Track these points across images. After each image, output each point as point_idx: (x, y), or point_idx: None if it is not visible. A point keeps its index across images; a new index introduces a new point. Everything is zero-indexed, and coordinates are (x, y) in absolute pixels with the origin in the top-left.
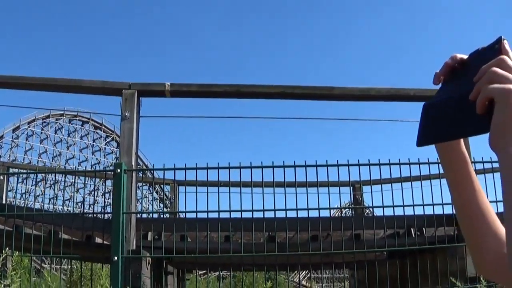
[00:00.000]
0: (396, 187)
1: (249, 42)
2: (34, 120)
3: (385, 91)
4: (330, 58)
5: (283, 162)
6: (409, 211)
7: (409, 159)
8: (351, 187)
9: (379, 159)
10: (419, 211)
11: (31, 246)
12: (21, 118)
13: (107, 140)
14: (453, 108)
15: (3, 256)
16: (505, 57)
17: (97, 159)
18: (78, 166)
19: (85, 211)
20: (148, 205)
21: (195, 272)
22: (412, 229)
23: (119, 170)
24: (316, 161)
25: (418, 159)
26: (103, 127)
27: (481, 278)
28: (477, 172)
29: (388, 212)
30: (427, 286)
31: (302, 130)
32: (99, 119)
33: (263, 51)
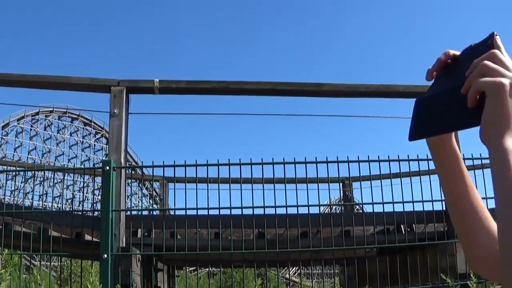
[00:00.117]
0: (386, 183)
1: (237, 39)
2: (23, 117)
3: (374, 88)
4: (320, 55)
5: (273, 159)
6: (398, 208)
7: (398, 155)
8: (341, 184)
9: (368, 156)
10: (408, 207)
11: (21, 244)
12: (10, 115)
13: (97, 136)
14: (445, 102)
15: None
16: (496, 51)
17: (86, 155)
18: (68, 163)
19: (75, 208)
20: (138, 202)
21: (185, 268)
22: (402, 226)
23: (108, 167)
24: (305, 158)
25: (408, 155)
26: (92, 124)
27: (471, 275)
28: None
29: (378, 208)
30: (417, 283)
31: (291, 127)
32: (88, 116)
33: (252, 48)
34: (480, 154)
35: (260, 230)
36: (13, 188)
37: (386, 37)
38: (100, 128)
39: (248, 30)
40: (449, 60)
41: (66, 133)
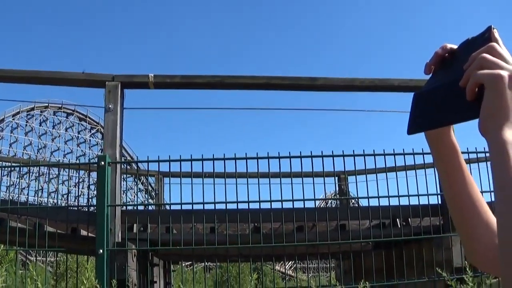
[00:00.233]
0: (381, 177)
1: (232, 34)
2: (18, 113)
3: (368, 82)
4: (315, 49)
5: (268, 153)
6: (394, 202)
7: (393, 149)
8: (336, 178)
9: (363, 150)
10: (404, 201)
11: (17, 239)
12: (5, 111)
13: (92, 131)
14: (443, 95)
15: None
16: (494, 44)
17: (82, 150)
18: (63, 158)
19: (70, 203)
20: (134, 197)
21: (181, 263)
22: (397, 220)
23: (103, 163)
24: (300, 152)
25: (403, 149)
26: (87, 119)
27: (467, 269)
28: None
29: (374, 202)
30: (413, 277)
31: (286, 121)
32: (83, 111)
33: (247, 42)
34: (476, 148)
35: (256, 224)
36: (8, 183)
37: (382, 32)
38: (95, 123)
39: (243, 25)
40: (447, 54)
41: (61, 129)
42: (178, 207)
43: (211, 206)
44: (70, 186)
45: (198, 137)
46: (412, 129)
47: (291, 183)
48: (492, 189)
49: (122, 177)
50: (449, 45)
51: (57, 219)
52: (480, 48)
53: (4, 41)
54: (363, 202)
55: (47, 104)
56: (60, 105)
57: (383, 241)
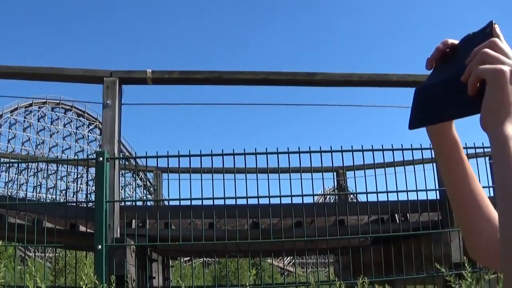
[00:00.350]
0: (380, 172)
1: (230, 29)
2: (16, 109)
3: (367, 77)
4: (314, 45)
5: (266, 149)
6: (393, 197)
7: (392, 145)
8: (335, 173)
9: (362, 145)
10: (403, 196)
11: (15, 235)
12: (3, 107)
13: (90, 127)
14: (445, 90)
15: None
16: (496, 39)
17: (80, 146)
18: (62, 154)
19: (69, 199)
20: (132, 192)
21: (179, 259)
22: (396, 215)
23: (101, 159)
24: (299, 147)
25: (401, 145)
26: (86, 115)
27: (466, 264)
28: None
29: (372, 198)
30: (412, 272)
31: (285, 117)
32: (81, 107)
33: (245, 38)
34: (474, 143)
35: (255, 220)
36: (7, 179)
37: (380, 27)
38: (93, 119)
39: (241, 20)
40: (448, 49)
41: (60, 124)
42: (176, 202)
43: (210, 202)
44: (68, 182)
45: (197, 132)
46: (413, 124)
47: (290, 179)
48: (491, 184)
49: (121, 172)
50: (450, 40)
51: (55, 215)
52: (482, 43)
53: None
54: (362, 198)
55: (45, 100)
56: (58, 101)
57: (381, 237)
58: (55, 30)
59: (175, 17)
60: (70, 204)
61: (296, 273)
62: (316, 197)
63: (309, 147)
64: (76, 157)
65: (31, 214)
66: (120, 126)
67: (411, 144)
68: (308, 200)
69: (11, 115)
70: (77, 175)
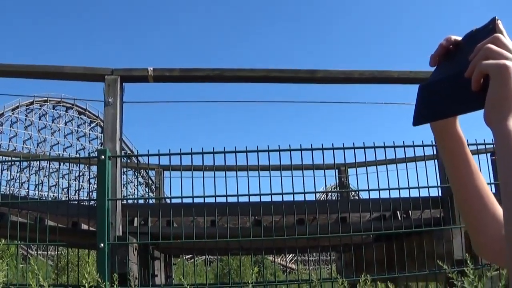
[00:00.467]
0: (381, 169)
1: (231, 27)
2: (18, 107)
3: (368, 74)
4: (315, 42)
5: (268, 146)
6: (395, 194)
7: (393, 142)
8: (337, 170)
9: (363, 142)
10: (405, 193)
11: (17, 234)
12: (4, 105)
13: (92, 125)
14: (448, 86)
15: None
16: (499, 35)
17: (82, 144)
18: (63, 152)
19: (71, 197)
20: (134, 190)
21: (182, 257)
22: (398, 212)
23: (103, 157)
24: (300, 145)
25: (403, 141)
26: (87, 113)
27: (468, 261)
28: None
29: (374, 195)
30: (414, 269)
31: (286, 114)
32: (83, 105)
33: (245, 35)
34: (475, 140)
35: (257, 217)
36: (8, 178)
37: (381, 24)
38: (94, 117)
39: (242, 18)
40: (451, 46)
41: (61, 122)
42: (178, 200)
43: (212, 200)
44: (70, 180)
45: (198, 129)
46: (417, 121)
47: (292, 176)
48: (492, 181)
49: (122, 170)
50: (454, 37)
51: (57, 213)
52: (485, 39)
53: (2, 34)
54: (364, 195)
55: (46, 98)
56: (60, 99)
57: (383, 234)
58: (56, 29)
59: (175, 15)
60: (72, 202)
61: (298, 271)
62: (318, 195)
63: (311, 144)
64: (77, 155)
65: (33, 213)
66: (121, 124)
67: (413, 141)
68: (310, 197)
69: (13, 113)
70: (79, 173)
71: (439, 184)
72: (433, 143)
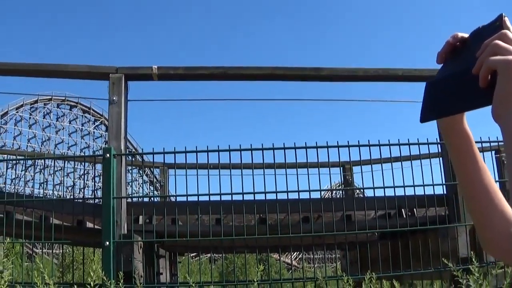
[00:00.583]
0: (386, 167)
1: (234, 24)
2: (22, 106)
3: (373, 71)
4: (318, 39)
5: (273, 144)
6: (400, 192)
7: (398, 139)
8: (341, 168)
9: (368, 140)
10: (410, 191)
11: (22, 232)
12: (9, 104)
13: (96, 124)
14: (456, 83)
15: None
16: (507, 31)
17: (86, 143)
18: (68, 150)
19: (76, 195)
20: (139, 188)
21: (187, 255)
22: (403, 210)
23: (108, 155)
24: (305, 142)
25: (408, 139)
26: (91, 111)
27: (473, 259)
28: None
29: (379, 193)
30: (419, 267)
31: (291, 111)
32: (87, 103)
33: (250, 33)
34: (480, 138)
35: (262, 215)
36: (13, 176)
37: (385, 22)
38: (99, 115)
39: (244, 15)
40: (458, 43)
41: (65, 121)
42: (183, 198)
43: (217, 198)
44: (75, 179)
45: (203, 127)
46: (425, 117)
47: (297, 174)
48: (497, 179)
49: (127, 168)
50: (460, 34)
51: (62, 211)
52: (492, 36)
53: (7, 34)
54: (369, 193)
55: (50, 97)
56: (64, 98)
57: (389, 232)
58: (60, 27)
59: (178, 12)
60: (77, 200)
61: (303, 269)
62: (323, 192)
63: (316, 142)
64: (82, 154)
65: (38, 211)
66: (126, 122)
67: (418, 139)
68: (315, 195)
69: (17, 112)
70: (84, 171)
71: (444, 182)
72: (438, 140)
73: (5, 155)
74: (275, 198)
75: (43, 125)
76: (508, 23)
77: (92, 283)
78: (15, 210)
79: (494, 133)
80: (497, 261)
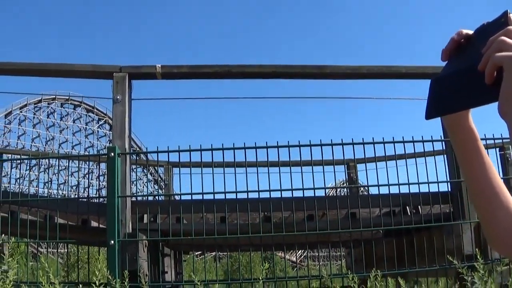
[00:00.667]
0: (391, 165)
1: (238, 22)
2: (26, 105)
3: (376, 69)
4: (321, 38)
5: (277, 142)
6: (404, 189)
7: (403, 137)
8: (346, 166)
9: (373, 138)
10: (414, 189)
11: (27, 232)
12: (12, 104)
13: (100, 123)
14: (461, 80)
15: (0, 242)
16: None
17: (90, 142)
18: (72, 149)
19: (80, 194)
20: (143, 187)
21: (191, 253)
22: (407, 207)
23: (112, 154)
24: (310, 140)
25: (412, 137)
26: (95, 110)
27: (478, 256)
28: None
29: (384, 190)
30: (424, 264)
31: (296, 109)
32: (91, 102)
33: (253, 30)
34: (485, 135)
35: (266, 213)
36: (17, 176)
37: (388, 20)
38: (102, 115)
39: (247, 13)
40: (462, 40)
41: (69, 120)
42: (188, 197)
43: (222, 196)
44: (79, 178)
45: (208, 125)
46: (430, 114)
47: (301, 172)
48: (501, 176)
49: (132, 167)
50: (465, 31)
51: (67, 210)
52: (497, 33)
53: (10, 34)
54: (373, 190)
55: (54, 96)
56: (67, 97)
57: (393, 229)
58: (63, 26)
59: (180, 12)
60: (81, 199)
61: (308, 267)
62: (327, 190)
63: (320, 140)
64: (86, 153)
65: (43, 210)
66: (130, 121)
67: (422, 136)
68: (319, 193)
69: (21, 112)
70: (88, 170)
71: (448, 179)
72: (442, 137)
73: (10, 155)
74: (279, 196)
75: (47, 125)
76: None
77: (97, 282)
78: (19, 209)
79: (498, 130)
80: (502, 258)
